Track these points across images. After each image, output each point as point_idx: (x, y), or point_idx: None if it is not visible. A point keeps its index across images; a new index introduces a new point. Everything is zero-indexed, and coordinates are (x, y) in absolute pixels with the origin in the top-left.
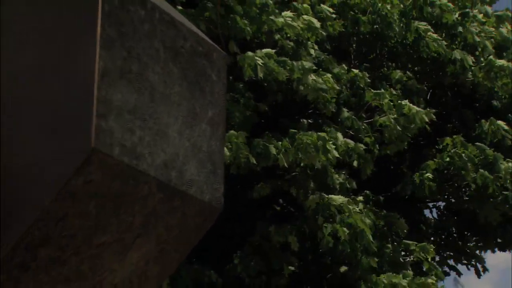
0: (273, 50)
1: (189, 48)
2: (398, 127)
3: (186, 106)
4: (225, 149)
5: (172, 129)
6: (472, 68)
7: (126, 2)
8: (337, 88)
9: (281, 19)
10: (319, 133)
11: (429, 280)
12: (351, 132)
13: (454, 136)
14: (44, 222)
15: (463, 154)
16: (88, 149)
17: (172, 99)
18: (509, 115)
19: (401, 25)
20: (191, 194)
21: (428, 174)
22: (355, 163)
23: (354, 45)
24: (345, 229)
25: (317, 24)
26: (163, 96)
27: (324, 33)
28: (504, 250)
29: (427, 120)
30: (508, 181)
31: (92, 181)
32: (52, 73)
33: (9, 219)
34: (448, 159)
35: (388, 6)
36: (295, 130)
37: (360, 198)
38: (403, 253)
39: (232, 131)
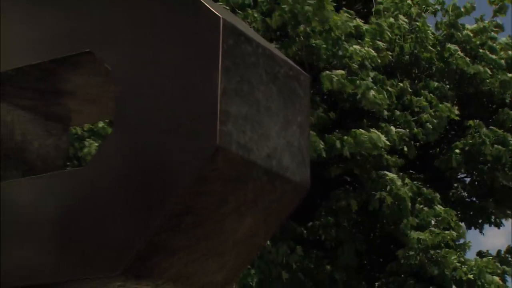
0: (344, 72)
1: (283, 73)
2: (434, 120)
3: (282, 114)
4: None
5: (272, 131)
6: (488, 80)
7: (238, 42)
8: (388, 102)
9: (352, 48)
10: (372, 132)
11: (448, 236)
12: (400, 128)
13: (474, 121)
14: (185, 198)
15: (482, 134)
16: (214, 147)
17: (272, 110)
18: None
19: (437, 48)
20: (288, 177)
21: (456, 150)
22: (405, 148)
23: (400, 64)
24: (389, 196)
25: (374, 53)
26: (265, 108)
27: (379, 60)
28: None
29: (455, 113)
30: None
31: (217, 168)
32: (187, 93)
33: (157, 199)
34: (471, 140)
35: (423, 35)
36: (356, 129)
37: (406, 177)
38: (433, 217)
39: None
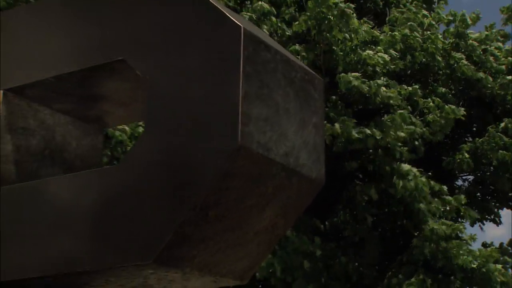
0: (359, 74)
1: (299, 77)
2: (442, 120)
3: (299, 116)
4: (337, 125)
5: (290, 131)
6: (489, 85)
7: (258, 49)
8: (400, 98)
9: (365, 53)
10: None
11: (460, 227)
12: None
13: (492, 128)
14: (210, 193)
15: (492, 141)
16: (237, 146)
17: (290, 112)
18: None
19: (445, 55)
20: (304, 173)
21: (465, 154)
22: (416, 142)
23: (409, 72)
24: (411, 183)
25: (388, 58)
26: (284, 109)
27: (392, 66)
28: None
29: (461, 113)
30: None
31: (240, 166)
32: (212, 97)
33: (184, 194)
34: (478, 144)
35: (433, 46)
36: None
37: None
38: (447, 207)
39: (342, 117)
